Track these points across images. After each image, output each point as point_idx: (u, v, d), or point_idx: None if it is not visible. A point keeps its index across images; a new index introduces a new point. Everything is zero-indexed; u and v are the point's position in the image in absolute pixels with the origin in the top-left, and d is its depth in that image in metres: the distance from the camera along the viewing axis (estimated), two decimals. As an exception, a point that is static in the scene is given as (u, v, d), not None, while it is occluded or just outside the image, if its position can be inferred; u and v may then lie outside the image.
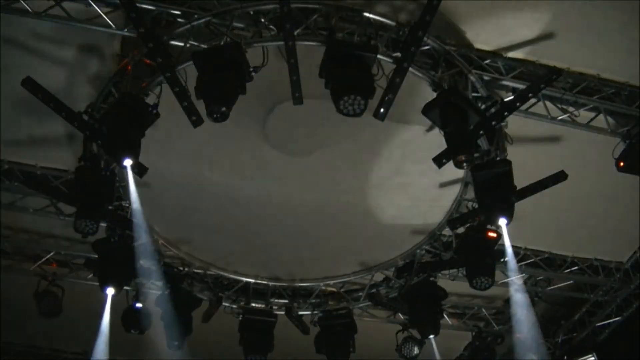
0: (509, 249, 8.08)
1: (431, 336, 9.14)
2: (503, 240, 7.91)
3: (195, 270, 9.38)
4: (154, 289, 9.33)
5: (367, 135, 7.81)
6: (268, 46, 6.73)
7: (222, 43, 6.72)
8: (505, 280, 10.01)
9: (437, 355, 9.69)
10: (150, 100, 6.86)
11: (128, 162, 6.65)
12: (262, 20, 6.87)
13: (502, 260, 8.93)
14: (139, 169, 7.21)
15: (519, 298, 8.96)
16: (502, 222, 7.30)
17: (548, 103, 7.92)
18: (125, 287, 8.76)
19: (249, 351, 9.22)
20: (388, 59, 6.80)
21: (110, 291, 8.16)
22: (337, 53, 6.51)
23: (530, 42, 7.45)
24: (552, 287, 10.40)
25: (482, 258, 8.17)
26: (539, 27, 7.30)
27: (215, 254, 9.32)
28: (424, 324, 9.11)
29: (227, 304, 9.51)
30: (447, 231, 8.87)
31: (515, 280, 9.00)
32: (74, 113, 6.84)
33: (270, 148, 8.02)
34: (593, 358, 10.54)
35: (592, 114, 8.05)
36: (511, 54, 7.60)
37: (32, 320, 9.55)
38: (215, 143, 7.85)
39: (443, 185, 8.30)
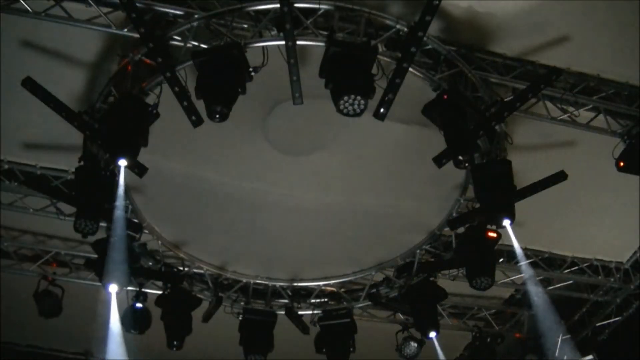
0: (518, 250, 8.08)
1: (433, 334, 9.13)
2: (510, 241, 7.92)
3: (195, 270, 9.38)
4: (154, 289, 9.35)
5: (367, 135, 7.80)
6: (268, 46, 6.73)
7: (222, 43, 6.72)
8: (504, 280, 10.05)
9: (441, 355, 9.66)
10: (150, 100, 6.87)
11: (123, 163, 6.64)
12: (262, 20, 6.87)
13: (501, 260, 8.96)
14: (139, 169, 7.20)
15: (533, 292, 8.92)
16: (506, 222, 7.31)
17: (548, 103, 7.92)
18: (125, 287, 8.76)
19: (249, 351, 9.21)
20: (388, 59, 6.79)
21: (113, 288, 8.18)
22: (337, 53, 6.51)
23: (531, 42, 7.45)
24: (552, 287, 10.39)
25: (482, 258, 8.16)
26: (540, 27, 7.30)
27: (215, 254, 9.32)
28: (424, 323, 9.11)
29: (227, 304, 9.51)
30: (447, 231, 8.86)
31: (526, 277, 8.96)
32: (74, 113, 6.85)
33: (270, 148, 8.02)
34: (593, 358, 10.53)
35: (592, 114, 8.06)
36: (511, 54, 7.61)
37: (32, 320, 9.54)
38: (215, 143, 7.85)
39: (443, 185, 8.30)
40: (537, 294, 8.90)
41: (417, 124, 7.56)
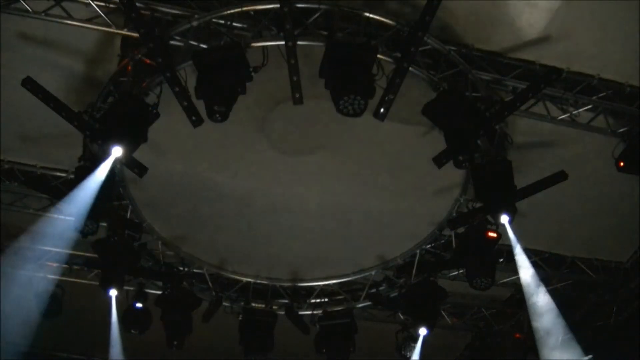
0: (516, 246, 8.06)
1: (424, 332, 9.12)
2: (506, 240, 7.93)
3: (195, 270, 9.38)
4: (154, 289, 9.35)
5: (367, 135, 7.81)
6: (268, 46, 6.73)
7: (222, 43, 6.72)
8: (504, 280, 10.03)
9: (417, 355, 9.61)
10: (150, 100, 6.87)
11: (117, 150, 6.62)
12: (262, 20, 6.87)
13: (501, 260, 8.94)
14: (139, 169, 7.21)
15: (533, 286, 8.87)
16: (504, 219, 7.33)
17: (548, 103, 7.92)
18: (125, 287, 8.77)
19: (249, 351, 9.23)
20: (388, 59, 6.80)
21: (113, 292, 8.22)
22: (337, 53, 6.51)
23: (530, 42, 7.45)
24: (552, 287, 10.38)
25: (482, 258, 8.16)
26: (539, 27, 7.30)
27: (215, 253, 9.32)
28: (419, 320, 9.10)
29: (227, 304, 9.52)
30: (447, 231, 8.86)
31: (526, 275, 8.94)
32: (74, 113, 6.85)
33: (270, 148, 8.02)
34: (593, 358, 10.52)
35: (592, 114, 8.05)
36: (511, 54, 7.60)
37: (32, 320, 9.53)
38: (215, 143, 7.85)
39: (443, 185, 8.30)
40: (539, 292, 8.86)
41: (417, 124, 7.56)
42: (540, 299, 8.80)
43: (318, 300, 9.78)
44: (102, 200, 7.36)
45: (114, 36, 7.25)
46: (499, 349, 10.93)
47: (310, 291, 9.78)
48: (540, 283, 8.80)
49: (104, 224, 8.13)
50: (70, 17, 6.96)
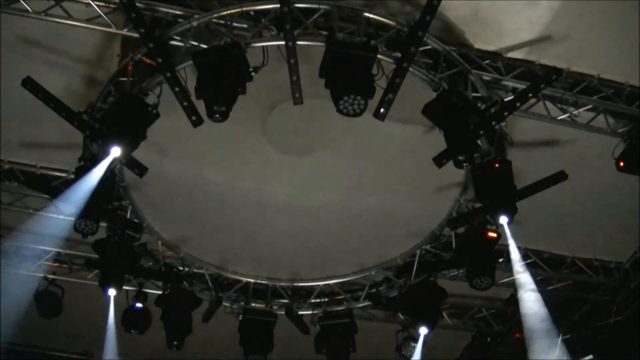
0: (512, 247, 8.07)
1: (424, 331, 9.11)
2: (506, 240, 7.94)
3: (195, 270, 9.38)
4: (154, 289, 9.35)
5: (367, 135, 7.81)
6: (268, 46, 6.73)
7: (222, 43, 6.72)
8: (504, 280, 10.04)
9: (417, 355, 9.60)
10: (150, 100, 6.87)
11: (116, 150, 6.63)
12: (262, 20, 6.88)
13: (501, 260, 8.95)
14: (139, 169, 7.21)
15: (528, 295, 8.87)
16: (503, 220, 7.33)
17: (548, 103, 7.92)
18: (125, 287, 8.78)
19: (249, 351, 9.23)
20: (388, 59, 6.80)
21: (112, 292, 8.22)
22: (337, 53, 6.51)
23: (530, 42, 7.45)
24: (552, 287, 10.39)
25: (482, 258, 8.16)
26: (539, 27, 7.30)
27: (215, 254, 9.32)
28: (420, 320, 9.10)
29: (227, 304, 9.52)
30: (447, 231, 8.86)
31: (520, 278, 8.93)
32: (74, 113, 6.85)
33: (270, 148, 8.03)
34: (593, 358, 10.53)
35: (592, 114, 8.05)
36: (511, 54, 7.61)
37: (32, 320, 9.55)
38: (215, 143, 7.85)
39: (443, 185, 8.30)
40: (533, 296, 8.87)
41: (417, 124, 7.56)
42: (529, 300, 8.82)
43: (318, 300, 9.78)
44: (101, 200, 7.39)
45: (114, 36, 7.26)
46: (499, 349, 10.93)
47: (310, 291, 9.78)
48: (532, 283, 8.82)
49: (104, 224, 8.12)
50: (70, 17, 6.96)
